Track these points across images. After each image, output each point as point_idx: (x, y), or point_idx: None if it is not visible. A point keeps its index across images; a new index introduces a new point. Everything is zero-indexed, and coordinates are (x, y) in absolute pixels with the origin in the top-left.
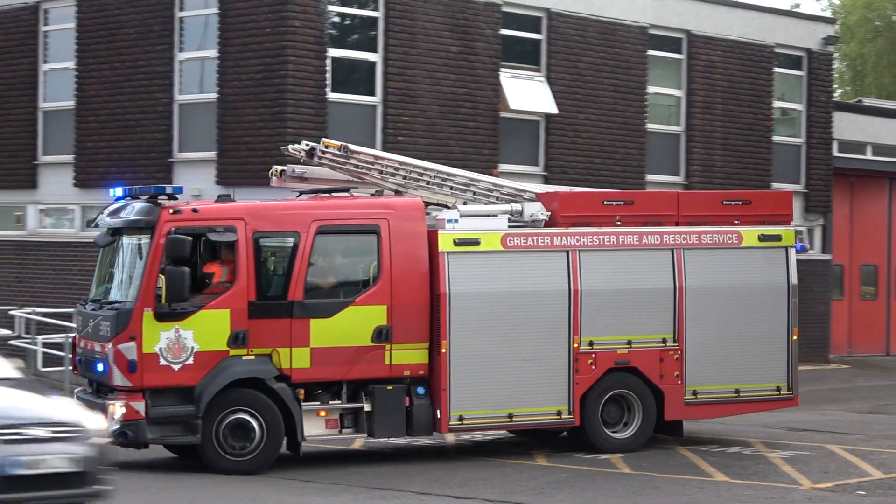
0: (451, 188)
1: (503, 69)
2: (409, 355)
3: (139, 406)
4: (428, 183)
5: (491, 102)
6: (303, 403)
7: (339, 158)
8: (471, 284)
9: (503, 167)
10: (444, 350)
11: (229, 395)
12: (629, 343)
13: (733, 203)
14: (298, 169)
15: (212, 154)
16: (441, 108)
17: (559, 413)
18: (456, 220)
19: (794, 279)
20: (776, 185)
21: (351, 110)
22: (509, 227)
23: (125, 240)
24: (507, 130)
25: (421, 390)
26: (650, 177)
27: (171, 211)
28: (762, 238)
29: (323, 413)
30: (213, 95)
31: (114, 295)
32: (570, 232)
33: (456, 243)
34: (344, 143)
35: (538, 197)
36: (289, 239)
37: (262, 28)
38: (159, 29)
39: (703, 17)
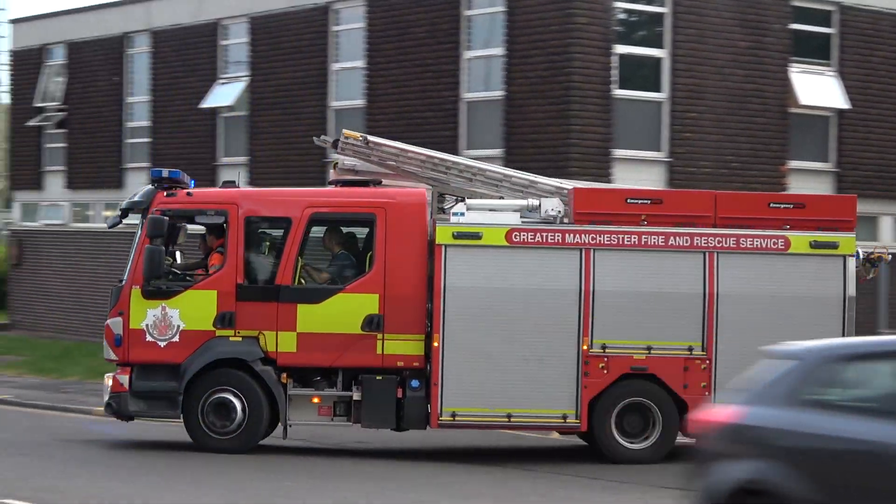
0: (483, 182)
1: (792, 64)
2: (402, 346)
3: (124, 379)
4: (457, 176)
5: (780, 98)
6: (298, 390)
7: (361, 150)
8: (469, 278)
9: (792, 164)
10: (436, 343)
11: (215, 375)
12: (649, 349)
13: (783, 206)
14: (348, 161)
15: (498, 151)
16: (729, 105)
17: (564, 417)
18: (462, 214)
19: (851, 290)
20: None
21: (637, 107)
22: (523, 222)
23: (136, 221)
24: (796, 126)
25: (415, 383)
26: None
27: (165, 193)
28: (815, 245)
29: (316, 400)
30: (500, 93)
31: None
32: (584, 230)
33: (455, 236)
34: (364, 135)
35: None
36: (279, 224)
37: (548, 26)
38: (447, 27)
39: None
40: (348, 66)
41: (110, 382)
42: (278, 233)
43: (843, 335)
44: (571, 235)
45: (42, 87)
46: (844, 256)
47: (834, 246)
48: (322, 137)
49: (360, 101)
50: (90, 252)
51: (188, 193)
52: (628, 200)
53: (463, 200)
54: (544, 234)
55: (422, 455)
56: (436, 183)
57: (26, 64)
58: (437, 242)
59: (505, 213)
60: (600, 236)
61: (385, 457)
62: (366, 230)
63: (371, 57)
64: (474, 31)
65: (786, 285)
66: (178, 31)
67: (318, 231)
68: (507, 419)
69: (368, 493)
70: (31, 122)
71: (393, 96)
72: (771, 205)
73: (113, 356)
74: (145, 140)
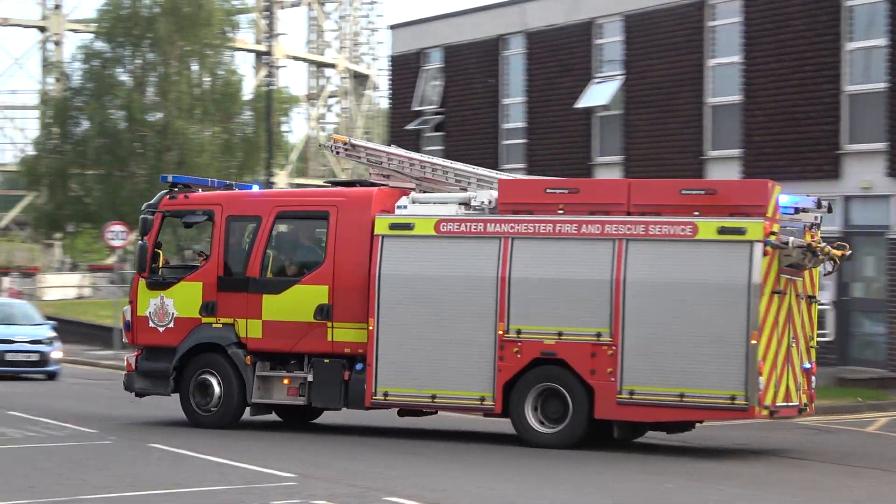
0: (456, 180)
1: None
2: (349, 334)
3: (132, 360)
4: (431, 174)
5: None
6: (266, 372)
7: (352, 152)
8: (402, 266)
9: None
10: (371, 328)
11: (201, 358)
12: (559, 334)
13: (694, 192)
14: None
15: (882, 146)
16: None
17: (482, 399)
18: (405, 207)
19: (756, 277)
20: None
21: None
22: (465, 213)
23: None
24: None
25: (360, 366)
26: None
27: (169, 196)
28: (722, 231)
29: (286, 381)
30: (883, 85)
31: None
32: (503, 219)
33: (391, 227)
34: (349, 139)
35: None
36: (252, 222)
37: None
38: (826, 19)
39: None
40: (725, 62)
41: (124, 363)
42: (252, 230)
43: (747, 323)
44: (492, 225)
45: (420, 91)
46: (752, 242)
47: (741, 232)
48: (331, 139)
49: (736, 97)
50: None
51: (185, 196)
52: (547, 190)
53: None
54: (468, 224)
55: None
56: (420, 182)
57: (405, 69)
58: (374, 233)
59: (446, 206)
60: (518, 225)
61: (762, 456)
62: (320, 225)
63: (748, 52)
64: (856, 21)
65: (693, 272)
66: (553, 32)
67: (281, 227)
68: (431, 399)
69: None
70: (410, 126)
71: (770, 91)
72: (682, 191)
73: (124, 340)
74: (521, 141)
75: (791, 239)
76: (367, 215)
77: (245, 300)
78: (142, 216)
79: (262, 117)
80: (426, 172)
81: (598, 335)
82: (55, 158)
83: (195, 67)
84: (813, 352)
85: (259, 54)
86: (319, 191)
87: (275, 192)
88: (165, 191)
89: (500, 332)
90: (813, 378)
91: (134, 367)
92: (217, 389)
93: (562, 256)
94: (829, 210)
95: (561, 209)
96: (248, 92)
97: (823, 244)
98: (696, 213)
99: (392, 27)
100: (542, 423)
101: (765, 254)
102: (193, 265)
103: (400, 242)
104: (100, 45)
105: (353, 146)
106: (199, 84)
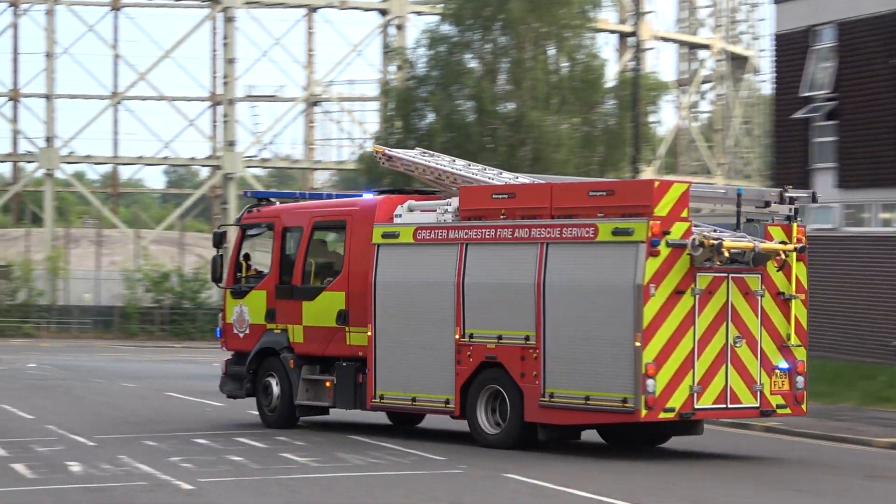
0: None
1: None
2: (363, 338)
3: (223, 365)
4: (453, 183)
5: None
6: (308, 374)
7: (390, 162)
8: (391, 274)
9: None
10: (369, 333)
11: (266, 362)
12: (499, 338)
13: (598, 194)
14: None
15: None
16: None
17: (447, 402)
18: (400, 215)
19: (639, 279)
20: None
21: None
22: (445, 221)
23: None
24: None
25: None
26: None
27: (249, 210)
28: (615, 232)
29: (328, 384)
30: None
31: None
32: (460, 225)
33: (382, 236)
34: (386, 150)
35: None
36: (297, 233)
37: None
38: None
39: None
40: None
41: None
42: (298, 240)
43: (633, 325)
44: (452, 231)
45: (809, 74)
46: (637, 243)
47: (629, 233)
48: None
49: None
50: (866, 259)
51: (258, 210)
52: (493, 196)
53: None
54: (436, 231)
55: None
56: (445, 188)
57: (791, 49)
58: (372, 242)
59: (431, 213)
60: (470, 231)
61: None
62: (341, 234)
63: None
64: None
65: (596, 274)
66: None
67: (316, 236)
68: (412, 402)
69: None
70: (798, 114)
71: None
72: (590, 193)
73: (220, 346)
74: None
75: (694, 237)
76: (373, 224)
77: (292, 307)
78: (214, 231)
79: (626, 106)
80: (454, 180)
81: (527, 338)
82: None
83: (551, 51)
84: (799, 351)
85: (623, 35)
86: (341, 200)
87: (314, 203)
88: (252, 204)
89: (457, 337)
90: (800, 378)
91: (225, 371)
92: (276, 391)
93: (501, 261)
94: (814, 200)
95: (503, 214)
96: (610, 78)
97: (718, 241)
98: (600, 215)
99: (777, 1)
100: (490, 426)
101: (654, 254)
102: (264, 274)
103: (390, 251)
104: (446, 28)
105: (390, 157)
106: (555, 70)
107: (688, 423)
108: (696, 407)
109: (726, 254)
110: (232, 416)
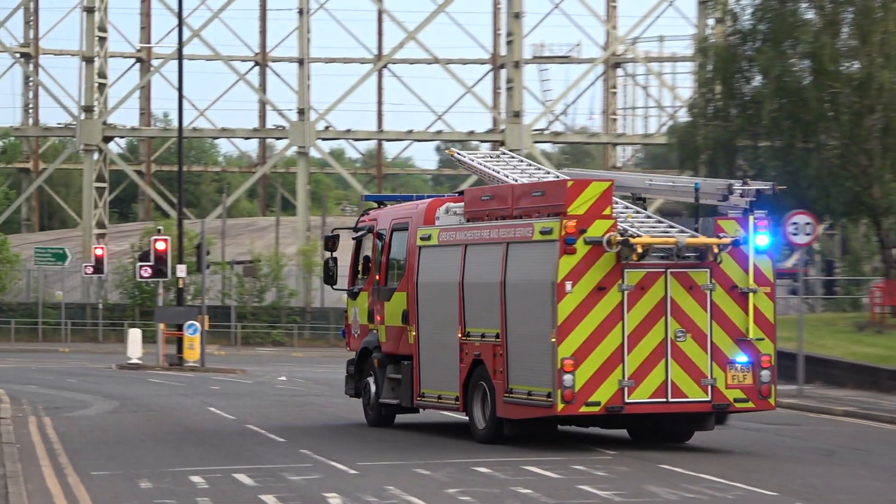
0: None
1: None
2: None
3: (346, 366)
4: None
5: None
6: (391, 373)
7: (461, 165)
8: (427, 275)
9: None
10: (413, 333)
11: (367, 362)
12: (482, 336)
13: (537, 194)
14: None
15: None
16: None
17: (457, 399)
18: (439, 217)
19: (554, 276)
20: None
21: None
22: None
23: None
24: None
25: None
26: None
27: (363, 214)
28: (542, 232)
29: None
30: None
31: None
32: (462, 227)
33: (421, 238)
34: (454, 153)
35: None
36: (384, 236)
37: None
38: None
39: None
40: None
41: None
42: (384, 242)
43: (552, 323)
44: (459, 233)
45: None
46: (554, 242)
47: (549, 232)
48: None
49: None
50: None
51: (367, 214)
52: (482, 198)
53: None
54: (451, 234)
55: None
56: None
57: None
58: (415, 244)
59: (456, 216)
60: (468, 233)
61: None
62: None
63: None
64: None
65: (532, 273)
66: None
67: (393, 239)
68: (438, 399)
69: None
70: None
71: None
72: (533, 193)
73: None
74: None
75: (608, 235)
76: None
77: (379, 307)
78: (326, 235)
79: None
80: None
81: (497, 336)
82: (716, 126)
83: None
84: (763, 344)
85: None
86: (410, 203)
87: (396, 206)
88: (368, 207)
89: (460, 336)
90: (765, 372)
91: (347, 371)
92: (373, 390)
93: (484, 261)
94: (774, 191)
95: (487, 216)
96: None
97: (624, 238)
98: (536, 215)
99: None
100: (482, 422)
101: (569, 252)
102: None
103: (427, 253)
104: None
105: (461, 161)
106: None
107: (694, 418)
108: (626, 401)
109: (639, 249)
110: (517, 441)
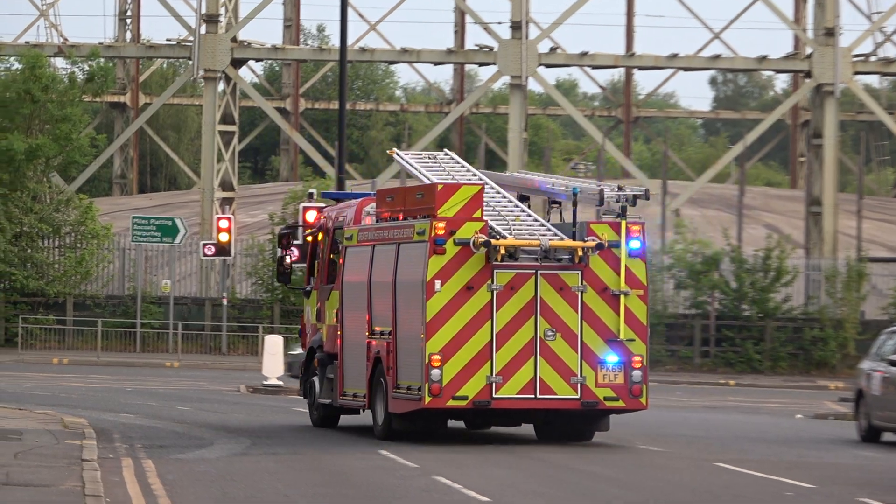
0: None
1: None
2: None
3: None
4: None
5: None
6: (330, 375)
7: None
8: (349, 275)
9: None
10: (339, 332)
11: (312, 361)
12: (381, 334)
13: (419, 196)
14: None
15: None
16: None
17: (364, 396)
18: (364, 217)
19: (422, 275)
20: None
21: None
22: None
23: None
24: None
25: None
26: None
27: (319, 211)
28: (418, 233)
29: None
30: None
31: None
32: (371, 227)
33: (346, 238)
34: (395, 151)
35: None
36: (328, 234)
37: None
38: None
39: None
40: None
41: None
42: (327, 241)
43: (422, 320)
44: (370, 233)
45: None
46: (424, 243)
47: (422, 233)
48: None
49: None
50: None
51: (320, 211)
52: (387, 199)
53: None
54: (365, 233)
55: None
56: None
57: None
58: (344, 244)
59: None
60: (376, 233)
61: None
62: None
63: None
64: None
65: (414, 272)
66: None
67: None
68: (353, 398)
69: None
70: None
71: None
72: (417, 195)
73: None
74: None
75: (474, 237)
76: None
77: (321, 306)
78: (280, 231)
79: None
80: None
81: (389, 334)
82: None
83: None
84: (634, 345)
85: None
86: (350, 202)
87: (340, 205)
88: (324, 205)
89: (367, 334)
90: (636, 372)
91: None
92: (317, 389)
93: (383, 261)
94: (646, 197)
95: (390, 216)
96: None
97: (486, 240)
98: (419, 217)
99: None
100: (380, 419)
101: (438, 252)
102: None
103: (349, 252)
104: None
105: (397, 161)
106: None
107: (592, 418)
108: (494, 396)
109: (502, 250)
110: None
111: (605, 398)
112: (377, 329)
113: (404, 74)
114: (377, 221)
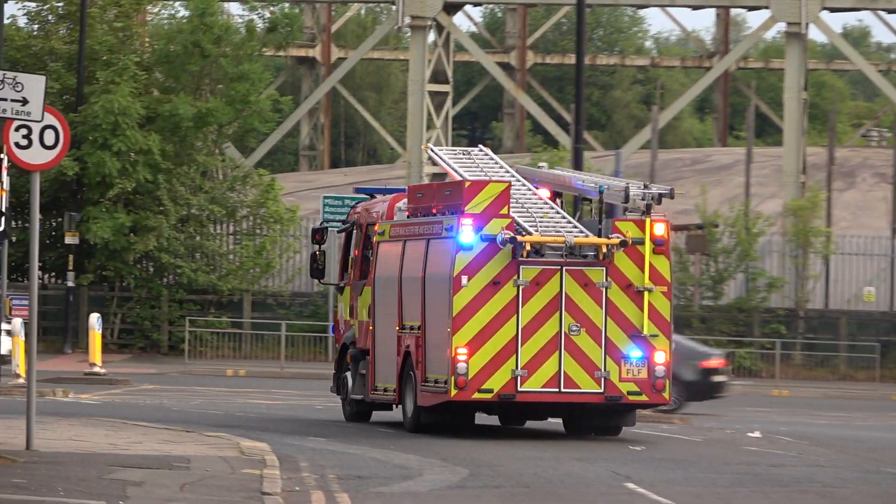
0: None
1: None
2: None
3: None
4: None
5: None
6: (363, 370)
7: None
8: (381, 270)
9: None
10: (371, 328)
11: (345, 357)
12: (411, 329)
13: (447, 193)
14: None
15: None
16: None
17: (395, 391)
18: (396, 212)
19: (450, 270)
20: None
21: None
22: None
23: None
24: None
25: None
26: None
27: (352, 207)
28: (446, 229)
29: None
30: None
31: None
32: (402, 223)
33: (378, 233)
34: (429, 146)
35: None
36: (362, 230)
37: None
38: None
39: None
40: None
41: None
42: (360, 237)
43: (449, 315)
44: (402, 229)
45: None
46: (452, 238)
47: (451, 229)
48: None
49: None
50: None
51: (356, 207)
52: (417, 195)
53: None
54: (397, 229)
55: None
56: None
57: None
58: (376, 239)
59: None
60: (406, 228)
61: None
62: None
63: None
64: None
65: (441, 267)
66: None
67: None
68: (383, 393)
69: None
70: None
71: None
72: (445, 192)
73: None
74: None
75: (503, 233)
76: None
77: (354, 302)
78: (313, 228)
79: None
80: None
81: (419, 328)
82: None
83: None
84: (658, 341)
85: None
86: (383, 197)
87: (374, 200)
88: (359, 201)
89: (397, 329)
90: (659, 367)
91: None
92: (349, 385)
93: (414, 256)
94: (671, 196)
95: (420, 212)
96: None
97: (512, 236)
98: (449, 213)
99: None
100: (410, 412)
101: (463, 248)
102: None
103: (382, 248)
104: None
105: (430, 158)
106: None
107: (617, 413)
108: (519, 389)
109: (527, 246)
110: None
111: (629, 392)
112: (407, 324)
113: (655, 21)
114: (408, 217)
